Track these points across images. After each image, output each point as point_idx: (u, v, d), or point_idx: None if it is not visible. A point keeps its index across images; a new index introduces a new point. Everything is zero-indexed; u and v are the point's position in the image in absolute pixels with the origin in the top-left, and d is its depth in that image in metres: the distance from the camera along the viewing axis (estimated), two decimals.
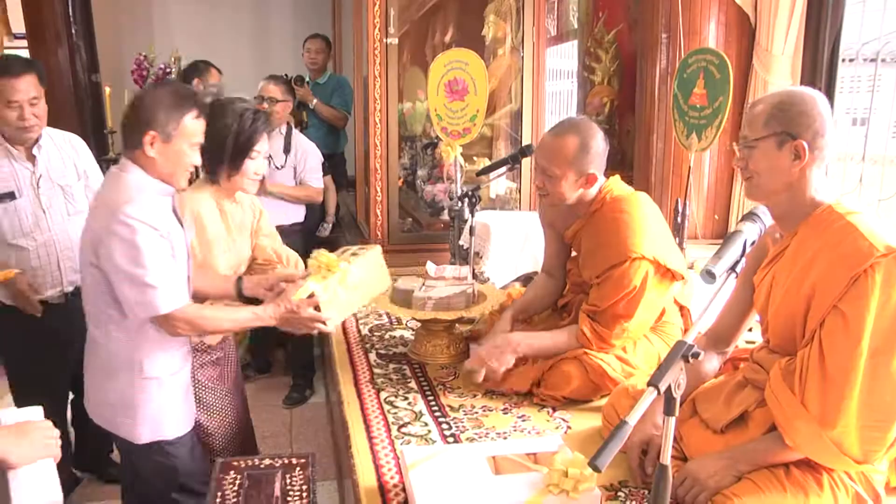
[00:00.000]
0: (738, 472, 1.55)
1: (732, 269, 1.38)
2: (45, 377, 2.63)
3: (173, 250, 1.82)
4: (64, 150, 2.63)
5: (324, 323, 1.98)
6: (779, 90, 1.72)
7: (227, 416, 2.32)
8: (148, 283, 1.73)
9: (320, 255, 2.03)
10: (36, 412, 1.67)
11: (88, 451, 3.01)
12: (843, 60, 3.24)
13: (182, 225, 1.93)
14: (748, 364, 1.77)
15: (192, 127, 1.84)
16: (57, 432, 1.57)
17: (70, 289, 2.58)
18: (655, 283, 2.09)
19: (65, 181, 2.57)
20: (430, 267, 2.65)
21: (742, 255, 1.40)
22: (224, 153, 2.14)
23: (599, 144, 2.12)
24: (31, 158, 2.51)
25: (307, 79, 4.68)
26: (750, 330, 1.94)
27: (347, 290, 2.03)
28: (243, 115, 2.15)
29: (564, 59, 5.49)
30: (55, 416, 2.72)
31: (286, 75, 4.25)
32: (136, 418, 1.88)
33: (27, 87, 2.42)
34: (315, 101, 4.57)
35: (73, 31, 5.75)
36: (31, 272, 2.50)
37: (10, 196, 2.47)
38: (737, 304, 1.81)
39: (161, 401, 1.90)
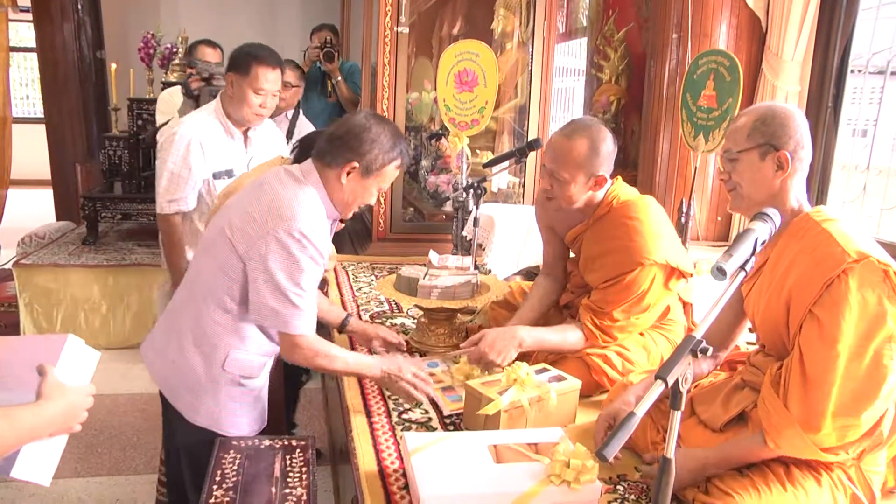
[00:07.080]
0: (707, 473, 1.56)
1: (742, 266, 1.39)
2: None
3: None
4: (273, 135, 2.88)
5: (423, 393, 1.92)
6: (758, 105, 1.78)
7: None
8: (294, 301, 1.73)
9: (518, 369, 1.90)
10: (93, 356, 1.40)
11: None
12: (852, 71, 3.26)
13: None
14: (746, 367, 1.78)
15: (391, 175, 1.90)
16: (90, 402, 1.32)
17: None
18: (662, 284, 2.09)
19: None
20: (433, 256, 2.64)
21: (753, 254, 1.41)
22: None
23: (609, 146, 2.09)
24: (246, 140, 2.71)
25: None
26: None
27: (533, 413, 1.87)
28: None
29: (570, 56, 5.50)
30: None
31: (327, 40, 4.33)
32: (198, 400, 1.86)
33: (276, 80, 2.63)
34: (340, 78, 4.57)
35: (79, 6, 5.75)
36: None
37: (229, 174, 2.63)
38: (729, 309, 1.82)
39: (228, 398, 1.88)
